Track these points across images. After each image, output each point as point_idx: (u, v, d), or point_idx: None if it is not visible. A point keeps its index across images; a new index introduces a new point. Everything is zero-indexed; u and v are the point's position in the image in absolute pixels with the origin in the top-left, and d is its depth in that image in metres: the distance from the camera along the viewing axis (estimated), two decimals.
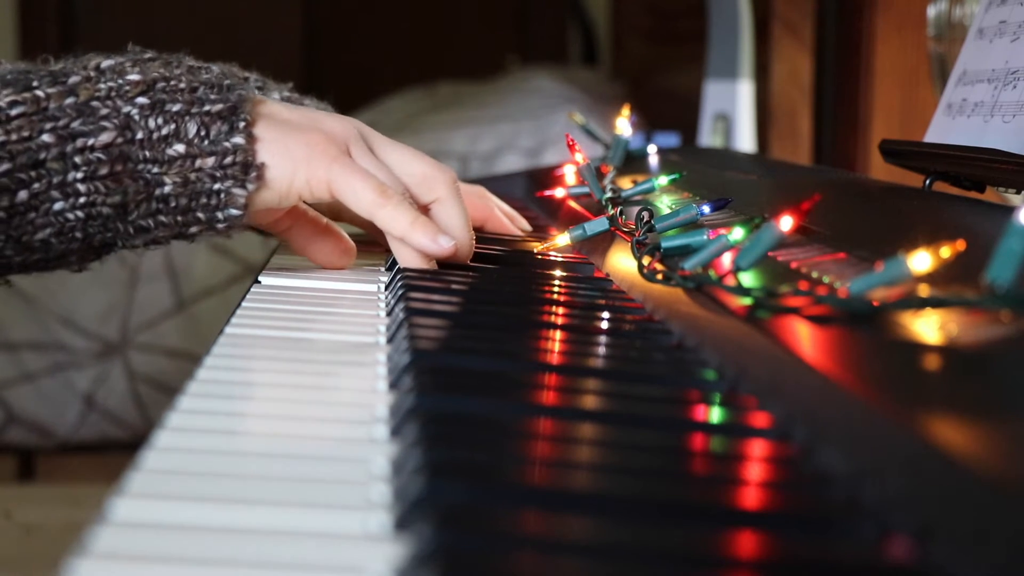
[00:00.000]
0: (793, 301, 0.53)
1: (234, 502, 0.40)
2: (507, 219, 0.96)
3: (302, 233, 0.82)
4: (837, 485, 0.41)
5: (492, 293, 0.75)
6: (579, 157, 0.94)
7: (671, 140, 1.42)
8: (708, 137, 1.60)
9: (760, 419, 0.49)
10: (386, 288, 0.77)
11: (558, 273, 0.83)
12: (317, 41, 3.34)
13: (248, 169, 0.72)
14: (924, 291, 0.50)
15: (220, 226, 0.73)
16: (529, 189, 1.28)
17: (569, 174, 1.01)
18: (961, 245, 0.50)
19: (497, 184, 1.40)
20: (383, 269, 0.84)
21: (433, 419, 0.46)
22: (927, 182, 0.84)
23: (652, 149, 1.16)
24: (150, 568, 0.35)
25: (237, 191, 0.72)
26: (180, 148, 0.71)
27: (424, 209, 0.79)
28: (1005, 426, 0.39)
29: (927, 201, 0.81)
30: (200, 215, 0.72)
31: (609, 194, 0.90)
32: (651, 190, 0.91)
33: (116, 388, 2.25)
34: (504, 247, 0.88)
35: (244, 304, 0.70)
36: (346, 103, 3.24)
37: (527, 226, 0.88)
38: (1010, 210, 0.63)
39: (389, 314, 0.69)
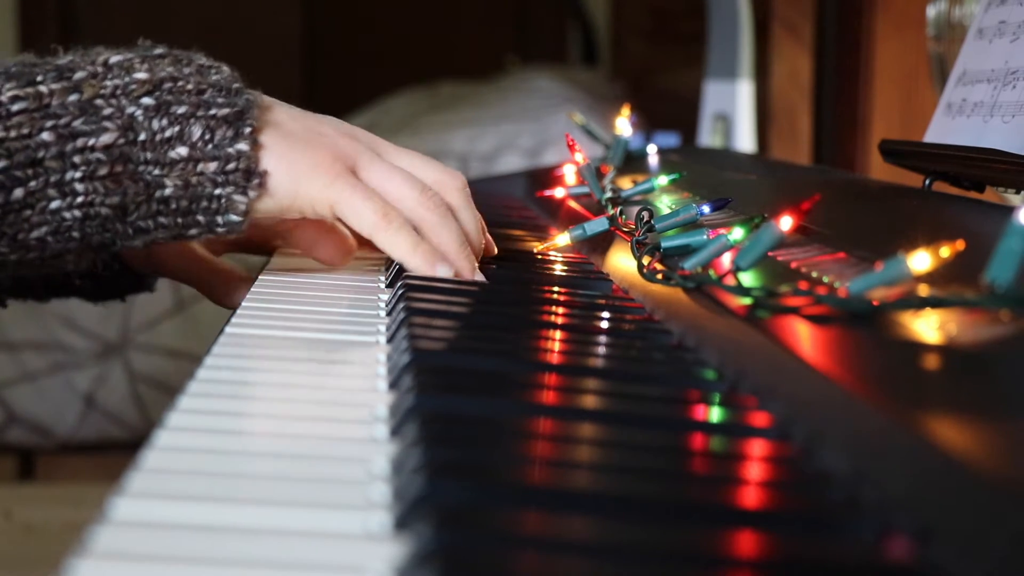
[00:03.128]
0: (793, 301, 0.53)
1: (234, 502, 0.40)
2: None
3: (306, 233, 0.82)
4: (837, 485, 0.41)
5: (492, 293, 0.75)
6: (579, 157, 0.94)
7: (671, 140, 1.42)
8: (708, 137, 1.60)
9: (760, 419, 0.49)
10: (386, 288, 0.77)
11: (558, 273, 0.83)
12: (317, 41, 3.34)
13: (251, 176, 0.71)
14: (924, 291, 0.50)
15: (220, 230, 0.72)
16: (529, 189, 1.28)
17: (569, 174, 1.01)
18: (961, 245, 0.50)
19: (497, 184, 1.40)
20: (383, 269, 0.84)
21: (433, 419, 0.46)
22: (927, 182, 0.84)
23: (652, 149, 1.16)
24: (150, 568, 0.35)
25: (238, 197, 0.71)
26: (183, 151, 0.70)
27: None
28: (1005, 426, 0.39)
29: (927, 201, 0.81)
30: (200, 218, 0.71)
31: (609, 194, 0.90)
32: (651, 190, 0.91)
33: (116, 388, 2.25)
34: (504, 247, 0.88)
35: (244, 304, 0.70)
36: (346, 103, 3.25)
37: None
38: (1010, 210, 0.63)
39: (389, 314, 0.69)
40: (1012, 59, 0.79)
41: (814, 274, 0.58)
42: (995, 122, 0.78)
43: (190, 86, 0.71)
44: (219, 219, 0.71)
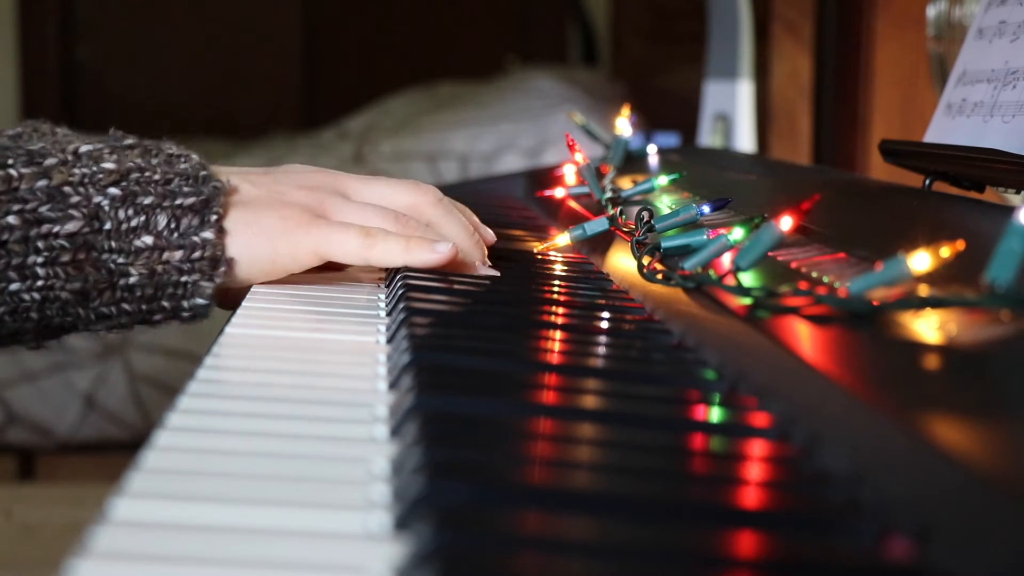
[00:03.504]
0: (793, 301, 0.53)
1: (234, 502, 0.40)
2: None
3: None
4: (837, 485, 0.41)
5: (492, 293, 0.75)
6: (579, 157, 0.94)
7: (671, 140, 1.42)
8: (708, 137, 1.60)
9: (760, 419, 0.49)
10: (386, 288, 0.77)
11: (558, 273, 0.83)
12: (317, 41, 3.34)
13: (217, 264, 0.72)
14: (924, 291, 0.50)
15: (185, 315, 0.73)
16: (529, 189, 1.28)
17: (569, 174, 1.01)
18: (961, 245, 0.50)
19: (497, 184, 1.40)
20: (383, 269, 0.84)
21: (433, 419, 0.46)
22: (927, 182, 0.84)
23: (652, 149, 1.16)
24: (150, 568, 0.35)
25: (205, 284, 0.72)
26: (148, 240, 0.71)
27: None
28: (1005, 426, 0.39)
29: (927, 201, 0.81)
30: (165, 304, 0.73)
31: (609, 194, 0.90)
32: (651, 190, 0.91)
33: (116, 388, 2.25)
34: (504, 247, 0.88)
35: (244, 304, 0.70)
36: (346, 103, 3.25)
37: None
38: (1010, 210, 0.63)
39: (389, 314, 0.69)
40: (1012, 59, 0.79)
41: (814, 274, 0.58)
42: (995, 122, 0.78)
43: (157, 176, 0.72)
44: (184, 303, 0.73)
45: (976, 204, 0.78)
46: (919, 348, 0.47)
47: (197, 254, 0.71)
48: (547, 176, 1.16)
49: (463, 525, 0.37)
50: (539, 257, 0.86)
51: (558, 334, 0.65)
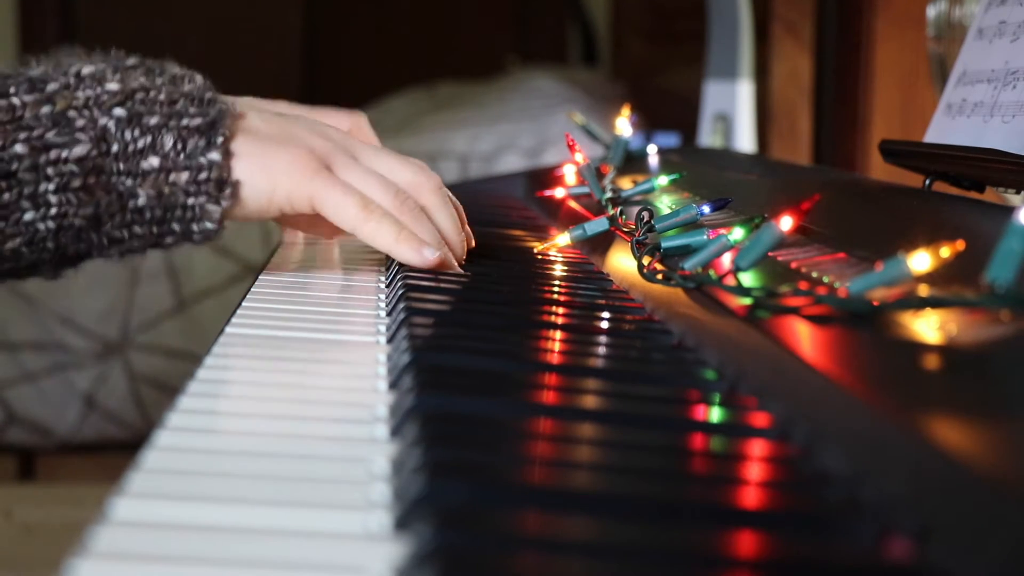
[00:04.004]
0: (793, 301, 0.53)
1: (234, 502, 0.40)
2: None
3: (313, 221, 0.82)
4: (837, 485, 0.41)
5: (492, 293, 0.75)
6: (579, 157, 0.94)
7: (671, 140, 1.42)
8: (708, 137, 1.60)
9: (760, 419, 0.49)
10: (386, 288, 0.77)
11: (558, 273, 0.83)
12: (317, 41, 3.34)
13: (223, 186, 0.71)
14: (924, 291, 0.50)
15: (196, 238, 0.73)
16: (529, 189, 1.28)
17: (569, 174, 1.01)
18: (961, 245, 0.50)
19: (497, 184, 1.40)
20: (383, 269, 0.84)
21: (433, 419, 0.46)
22: (927, 182, 0.84)
23: (652, 149, 1.16)
24: (150, 568, 0.35)
25: (211, 207, 0.71)
26: (155, 162, 0.70)
27: None
28: (1005, 426, 0.39)
29: (927, 201, 0.81)
30: (175, 226, 0.72)
31: (609, 194, 0.90)
32: (651, 190, 0.91)
33: (116, 388, 2.25)
34: (504, 247, 0.88)
35: (244, 304, 0.70)
36: (346, 103, 3.24)
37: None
38: (1010, 210, 0.63)
39: (389, 314, 0.69)
40: (1012, 59, 0.79)
41: (814, 274, 0.58)
42: (995, 122, 0.78)
43: (162, 96, 0.71)
44: (194, 227, 0.72)
45: (976, 204, 0.78)
46: (919, 348, 0.47)
47: (203, 175, 0.71)
48: (547, 176, 1.16)
49: (463, 525, 0.37)
50: (539, 257, 0.86)
51: (558, 334, 0.65)
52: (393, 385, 0.54)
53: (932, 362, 0.46)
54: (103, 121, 0.69)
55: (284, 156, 0.73)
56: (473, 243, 0.83)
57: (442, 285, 0.73)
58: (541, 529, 0.39)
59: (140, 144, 0.70)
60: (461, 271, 0.78)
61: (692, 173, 0.96)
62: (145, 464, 0.42)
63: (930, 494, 0.36)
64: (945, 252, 0.50)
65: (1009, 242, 0.47)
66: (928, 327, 0.48)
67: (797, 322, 0.52)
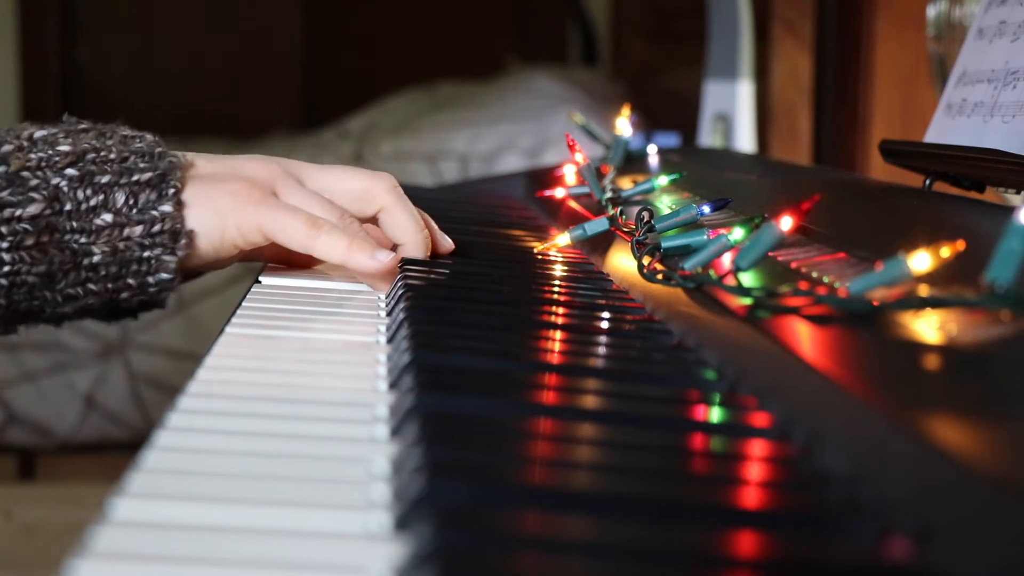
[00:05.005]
0: (793, 301, 0.53)
1: (234, 502, 0.40)
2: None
3: (279, 251, 0.82)
4: (837, 485, 0.41)
5: (492, 293, 0.75)
6: (579, 157, 0.94)
7: (671, 140, 1.42)
8: (708, 137, 1.60)
9: (760, 419, 0.49)
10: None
11: (558, 273, 0.83)
12: (317, 41, 3.34)
13: (177, 236, 0.73)
14: (924, 291, 0.50)
15: (151, 290, 0.74)
16: (529, 189, 1.28)
17: (569, 174, 1.01)
18: (961, 245, 0.50)
19: (497, 184, 1.40)
20: None
21: (433, 419, 0.46)
22: (927, 182, 0.84)
23: (652, 149, 1.16)
24: (150, 568, 0.35)
25: (167, 257, 0.73)
26: (108, 218, 0.71)
27: (373, 220, 0.81)
28: (1005, 426, 0.39)
29: (927, 201, 0.81)
30: (131, 281, 0.73)
31: (609, 194, 0.90)
32: (651, 190, 0.91)
33: (116, 388, 2.25)
34: (504, 247, 0.88)
35: (244, 304, 0.70)
36: (346, 103, 3.24)
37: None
38: (1010, 210, 0.63)
39: (389, 314, 0.69)
40: (1012, 59, 0.79)
41: (814, 274, 0.58)
42: (995, 122, 0.78)
43: (112, 155, 0.73)
44: (150, 279, 0.73)
45: (976, 204, 0.78)
46: (919, 348, 0.47)
47: (157, 227, 0.72)
48: (547, 176, 1.16)
49: (463, 525, 0.37)
50: (539, 257, 0.86)
51: (558, 334, 0.65)
52: (393, 385, 0.54)
53: (932, 362, 0.46)
54: (55, 180, 0.71)
55: (227, 191, 0.74)
56: (451, 247, 0.83)
57: (442, 285, 0.73)
58: (541, 529, 0.39)
59: (93, 202, 0.72)
60: (463, 265, 0.78)
61: (692, 173, 0.96)
62: (145, 464, 0.42)
63: (930, 494, 0.36)
64: (945, 252, 0.50)
65: (1009, 242, 0.47)
66: (928, 327, 0.48)
67: (797, 322, 0.52)
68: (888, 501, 0.38)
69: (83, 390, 2.24)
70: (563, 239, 0.82)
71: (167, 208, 0.72)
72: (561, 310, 0.69)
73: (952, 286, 0.50)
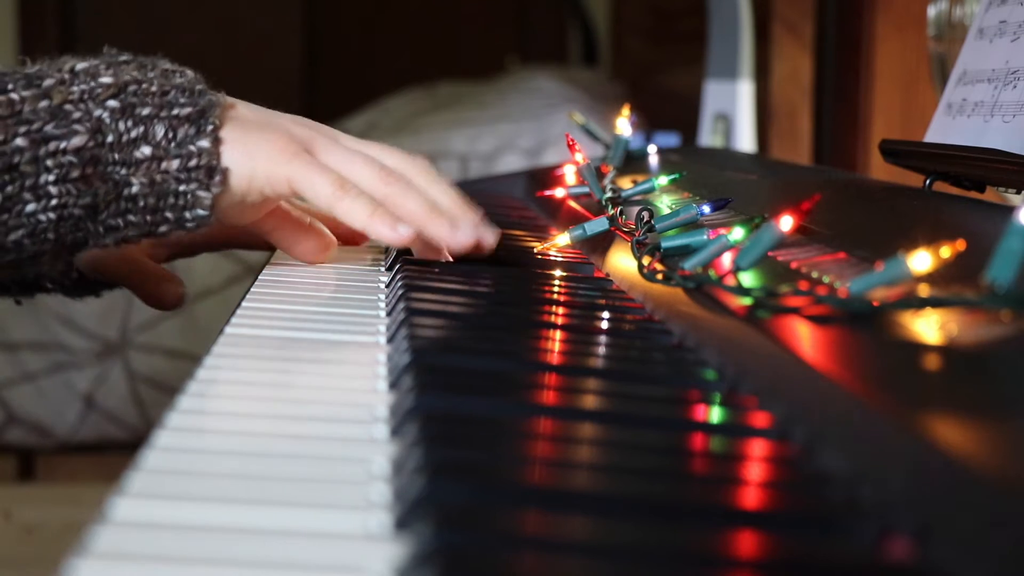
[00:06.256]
0: (793, 301, 0.53)
1: (234, 502, 0.40)
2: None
3: (285, 234, 0.84)
4: (837, 485, 0.41)
5: (492, 293, 0.75)
6: (579, 157, 0.94)
7: (671, 140, 1.42)
8: (708, 137, 1.60)
9: (760, 419, 0.49)
10: (386, 288, 0.77)
11: (558, 273, 0.83)
12: (317, 41, 3.34)
13: (212, 173, 0.73)
14: (924, 291, 0.50)
15: (189, 225, 0.74)
16: (529, 189, 1.28)
17: (569, 174, 1.01)
18: (961, 245, 0.50)
19: (497, 184, 1.40)
20: (383, 269, 0.84)
21: (433, 419, 0.46)
22: (927, 182, 0.84)
23: (652, 149, 1.16)
24: (150, 568, 0.35)
25: (202, 193, 0.73)
26: (147, 150, 0.72)
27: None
28: (1005, 426, 0.39)
29: (927, 201, 0.81)
30: (168, 215, 0.73)
31: (609, 194, 0.90)
32: (651, 190, 0.91)
33: (116, 388, 2.25)
34: (504, 247, 0.88)
35: (244, 304, 0.70)
36: (346, 103, 3.24)
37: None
38: (1010, 210, 0.63)
39: (389, 314, 0.69)
40: (1013, 59, 0.79)
41: (814, 274, 0.58)
42: (995, 122, 0.78)
43: (154, 88, 0.73)
44: (187, 214, 0.73)
45: (976, 204, 0.78)
46: (919, 348, 0.47)
47: (193, 162, 0.72)
48: (547, 176, 1.16)
49: (463, 525, 0.37)
50: (539, 257, 0.86)
51: (558, 334, 0.65)
52: (393, 385, 0.54)
53: (932, 362, 0.46)
54: (98, 112, 0.71)
55: (264, 139, 0.75)
56: (493, 241, 0.79)
57: (442, 285, 0.73)
58: (541, 529, 0.39)
59: (133, 134, 0.71)
60: (463, 265, 0.77)
61: (692, 173, 0.96)
62: (145, 464, 0.42)
63: (930, 494, 0.36)
64: (945, 252, 0.50)
65: (1009, 242, 0.47)
66: (928, 327, 0.48)
67: (797, 322, 0.52)
68: (888, 501, 0.38)
69: (82, 390, 2.24)
70: (563, 239, 0.82)
71: (204, 144, 0.72)
72: (561, 310, 0.69)
73: (952, 286, 0.50)
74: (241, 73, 3.46)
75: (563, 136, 1.07)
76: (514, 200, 1.28)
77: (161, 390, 2.24)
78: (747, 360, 0.54)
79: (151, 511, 0.39)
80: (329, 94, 3.29)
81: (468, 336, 0.63)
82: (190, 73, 0.75)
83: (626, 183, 0.97)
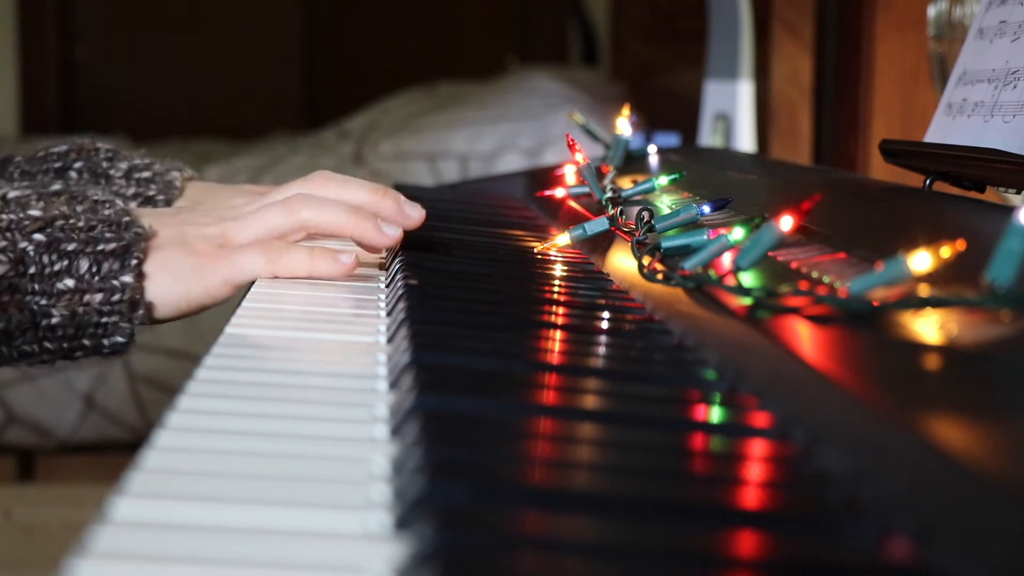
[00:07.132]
0: (793, 301, 0.53)
1: (234, 502, 0.40)
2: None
3: (299, 262, 0.83)
4: (837, 485, 0.41)
5: (492, 293, 0.75)
6: (579, 157, 0.94)
7: (671, 140, 1.42)
8: (708, 137, 1.60)
9: (760, 419, 0.49)
10: (386, 288, 0.77)
11: (558, 273, 0.83)
12: (317, 41, 3.34)
13: (136, 306, 0.74)
14: (924, 291, 0.50)
15: (105, 352, 0.76)
16: (529, 189, 1.28)
17: (569, 174, 1.01)
18: (961, 245, 0.50)
19: (497, 184, 1.40)
20: (383, 269, 0.84)
21: (433, 419, 0.46)
22: (927, 182, 0.84)
23: (652, 149, 1.16)
24: (150, 568, 0.35)
25: (124, 324, 0.74)
26: (70, 283, 0.73)
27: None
28: (1005, 426, 0.39)
29: (927, 201, 0.81)
30: (86, 342, 0.75)
31: (609, 194, 0.90)
32: (651, 190, 0.91)
33: (116, 388, 2.25)
34: (504, 247, 0.88)
35: (244, 304, 0.70)
36: (346, 103, 3.24)
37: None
38: (1010, 210, 0.63)
39: (389, 314, 0.69)
40: (1013, 59, 0.79)
41: (814, 274, 0.58)
42: (996, 122, 0.78)
43: (80, 223, 0.74)
44: (105, 342, 0.75)
45: (976, 204, 0.78)
46: (919, 348, 0.47)
47: (116, 297, 0.74)
48: (547, 176, 1.16)
49: (463, 525, 0.37)
50: (539, 257, 0.86)
51: (558, 334, 0.65)
52: (393, 385, 0.54)
53: (932, 362, 0.46)
54: (23, 244, 0.73)
55: (183, 257, 0.76)
56: (419, 217, 0.82)
57: (442, 285, 0.73)
58: (541, 529, 0.39)
59: (57, 267, 0.73)
60: (463, 264, 0.78)
61: (692, 173, 0.96)
62: (145, 464, 0.42)
63: (930, 494, 0.36)
64: (945, 252, 0.50)
65: (1009, 242, 0.47)
66: (928, 327, 0.48)
67: (797, 322, 0.52)
68: (888, 501, 0.38)
69: (82, 390, 2.24)
70: (563, 239, 0.82)
71: (128, 279, 0.74)
72: (561, 310, 0.69)
73: (952, 286, 0.50)
74: (241, 74, 3.46)
75: (563, 136, 1.07)
76: (514, 200, 1.28)
77: (161, 390, 2.24)
78: (747, 360, 0.54)
79: (151, 511, 0.39)
80: (329, 94, 3.29)
81: (468, 336, 0.63)
82: (119, 204, 0.77)
83: (626, 183, 0.97)
